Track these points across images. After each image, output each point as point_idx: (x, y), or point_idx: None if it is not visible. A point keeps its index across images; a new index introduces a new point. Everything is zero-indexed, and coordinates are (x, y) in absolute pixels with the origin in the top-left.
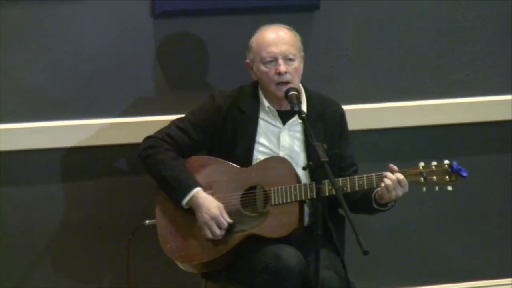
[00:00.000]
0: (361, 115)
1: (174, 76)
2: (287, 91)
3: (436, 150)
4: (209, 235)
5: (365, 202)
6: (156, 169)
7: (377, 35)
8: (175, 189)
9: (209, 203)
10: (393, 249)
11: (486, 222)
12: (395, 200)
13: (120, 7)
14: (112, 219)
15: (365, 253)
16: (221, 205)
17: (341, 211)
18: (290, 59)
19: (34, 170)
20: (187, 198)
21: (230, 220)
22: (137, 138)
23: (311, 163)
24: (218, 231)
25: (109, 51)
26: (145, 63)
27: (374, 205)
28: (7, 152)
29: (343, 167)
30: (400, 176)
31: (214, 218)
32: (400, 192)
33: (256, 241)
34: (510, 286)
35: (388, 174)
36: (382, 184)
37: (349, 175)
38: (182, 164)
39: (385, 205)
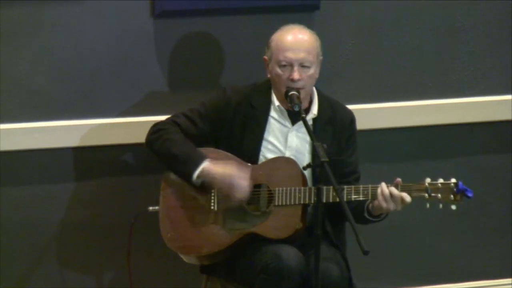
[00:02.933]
0: (361, 115)
1: (174, 76)
2: (287, 91)
3: (436, 150)
4: (234, 203)
5: (358, 211)
6: (165, 148)
7: (377, 35)
8: (184, 164)
9: (221, 173)
10: (393, 249)
11: (486, 222)
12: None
13: (120, 7)
14: (112, 219)
15: (365, 253)
16: (232, 167)
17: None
18: (306, 66)
19: (34, 170)
20: (198, 171)
21: (248, 183)
22: (137, 138)
23: (311, 163)
24: (240, 196)
25: (109, 51)
26: (145, 63)
27: (366, 215)
28: (7, 152)
29: (344, 174)
30: (394, 191)
31: (233, 186)
32: (391, 206)
33: (256, 241)
34: (510, 286)
35: (383, 189)
36: (377, 202)
37: (349, 182)
38: (190, 143)
39: (377, 216)
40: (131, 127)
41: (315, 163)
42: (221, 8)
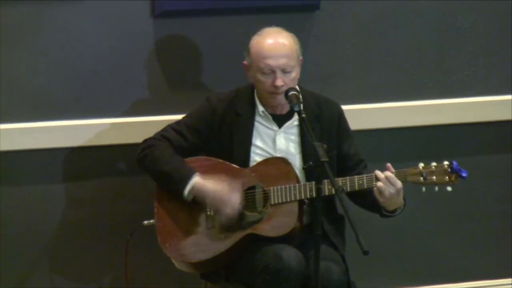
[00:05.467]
0: (361, 115)
1: (174, 76)
2: (287, 91)
3: (436, 150)
4: (225, 220)
5: (376, 208)
6: (154, 166)
7: (377, 35)
8: (174, 181)
9: (212, 189)
10: (393, 249)
11: (486, 222)
12: (404, 205)
13: (120, 7)
14: (112, 219)
15: (365, 253)
16: (223, 183)
17: (340, 211)
18: (288, 72)
19: (34, 170)
20: (188, 187)
21: (239, 200)
22: (137, 138)
23: (311, 163)
24: (231, 212)
25: (109, 51)
26: (145, 63)
27: (384, 212)
28: (7, 152)
29: (351, 166)
30: (388, 173)
31: (224, 201)
32: (392, 190)
33: (256, 241)
34: (510, 286)
35: (379, 174)
36: (375, 189)
37: (360, 173)
38: (179, 159)
39: (393, 211)
40: (131, 127)
41: (315, 163)
42: (221, 8)
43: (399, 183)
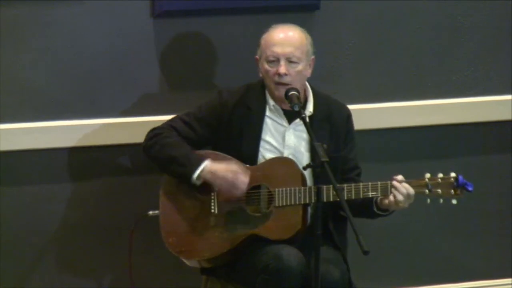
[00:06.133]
0: (361, 115)
1: (174, 76)
2: (287, 91)
3: (436, 150)
4: (238, 193)
5: (366, 206)
6: (163, 152)
7: (377, 35)
8: (184, 164)
9: (223, 169)
10: (393, 249)
11: (486, 222)
12: None
13: (120, 7)
14: (112, 219)
15: (365, 253)
16: (233, 164)
17: (342, 211)
18: (294, 62)
19: (34, 170)
20: (198, 170)
21: (247, 181)
22: (138, 138)
23: (311, 163)
24: (238, 192)
25: (109, 51)
26: (145, 63)
27: (375, 210)
28: (7, 152)
29: (346, 170)
30: (411, 190)
31: (234, 172)
32: (407, 204)
33: (257, 241)
34: (510, 286)
35: (398, 186)
36: (391, 198)
37: (352, 178)
38: (189, 146)
39: (386, 210)
40: (131, 127)
41: (315, 163)
42: (221, 8)
43: (412, 190)
